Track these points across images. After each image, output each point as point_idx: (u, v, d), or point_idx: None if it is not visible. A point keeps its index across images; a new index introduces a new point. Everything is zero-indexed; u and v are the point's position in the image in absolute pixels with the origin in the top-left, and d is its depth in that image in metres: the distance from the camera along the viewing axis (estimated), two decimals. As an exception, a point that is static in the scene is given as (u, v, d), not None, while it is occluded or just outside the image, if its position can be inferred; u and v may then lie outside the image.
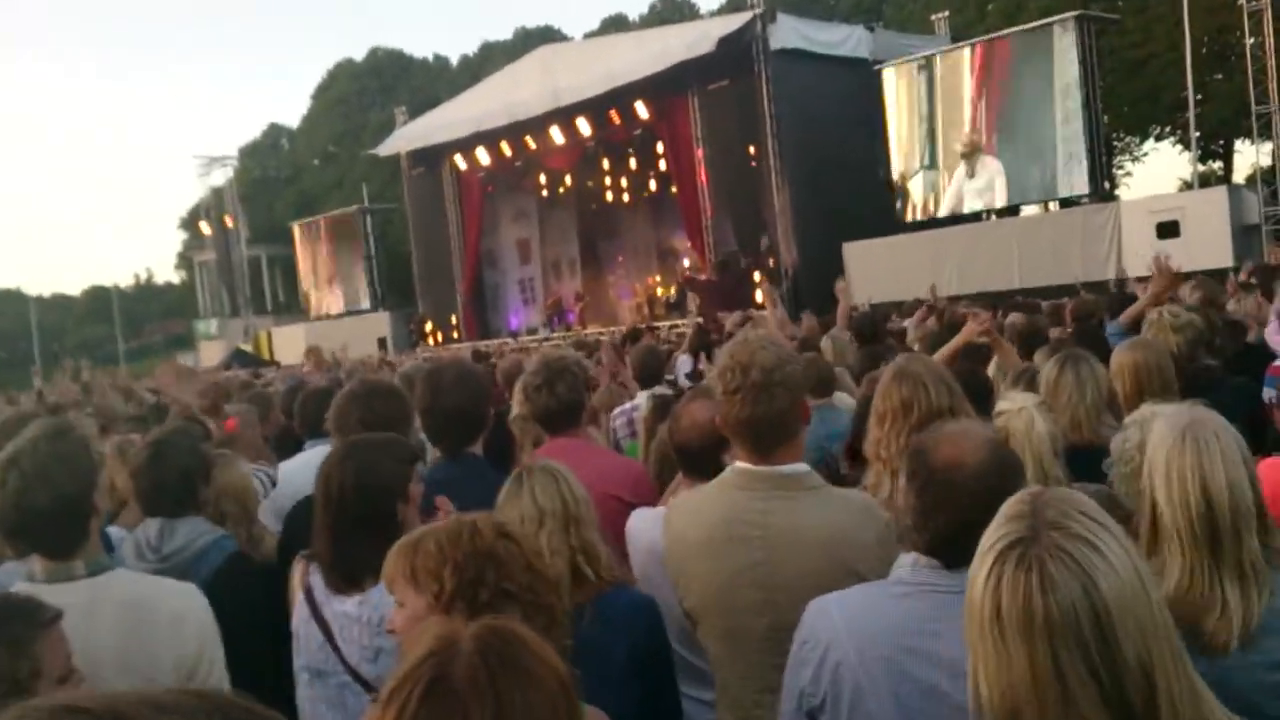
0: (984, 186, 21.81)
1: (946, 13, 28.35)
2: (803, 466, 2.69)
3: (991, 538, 1.51)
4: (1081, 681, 1.39)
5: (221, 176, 44.72)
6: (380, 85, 58.48)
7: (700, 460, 3.14)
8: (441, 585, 2.05)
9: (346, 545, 2.75)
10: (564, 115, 26.07)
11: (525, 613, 2.06)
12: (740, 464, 2.71)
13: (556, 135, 27.14)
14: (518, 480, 2.82)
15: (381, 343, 31.84)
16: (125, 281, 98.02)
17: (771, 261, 23.04)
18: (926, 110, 22.77)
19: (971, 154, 21.86)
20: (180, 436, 3.66)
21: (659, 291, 28.73)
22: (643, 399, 6.09)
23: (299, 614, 2.88)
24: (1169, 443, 2.28)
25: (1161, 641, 1.42)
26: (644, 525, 3.20)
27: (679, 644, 2.93)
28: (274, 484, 4.64)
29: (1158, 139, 35.25)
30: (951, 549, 2.09)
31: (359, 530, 2.75)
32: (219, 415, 5.85)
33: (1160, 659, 1.41)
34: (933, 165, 22.73)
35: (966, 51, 22.56)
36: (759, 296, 20.77)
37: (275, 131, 68.59)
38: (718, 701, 2.82)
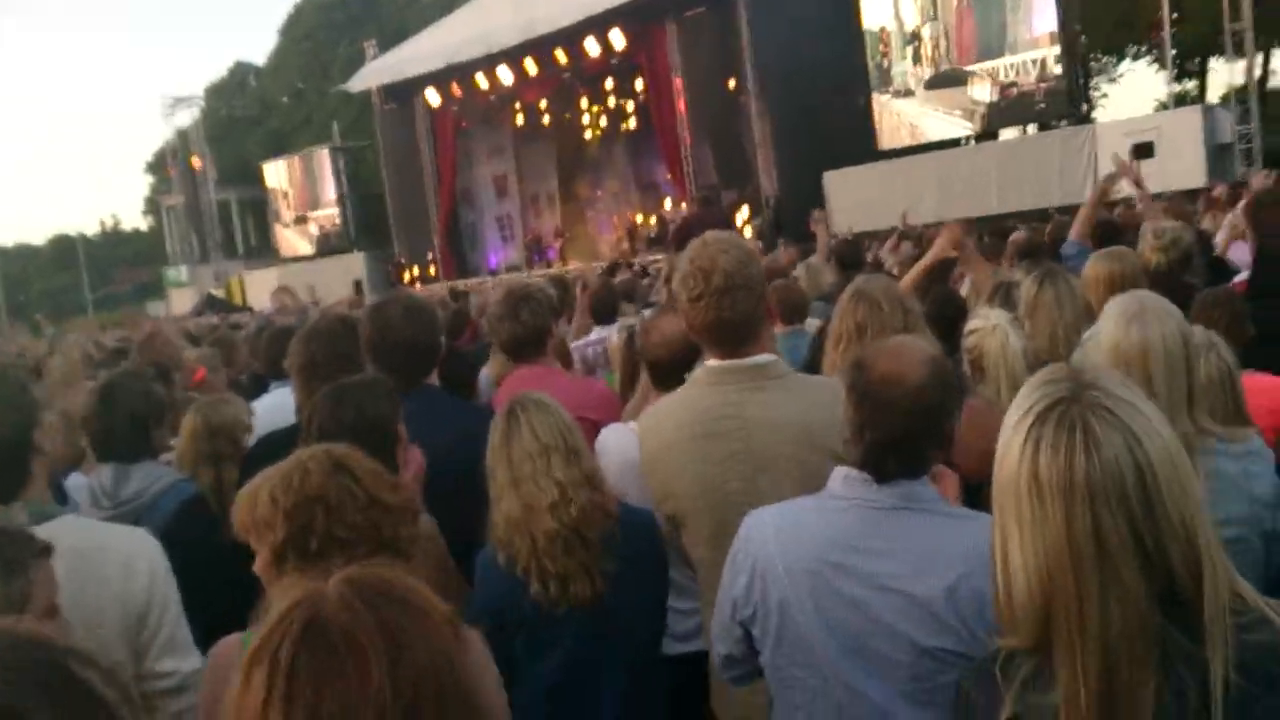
0: (964, 110, 21.65)
1: (925, -68, 27.91)
2: (769, 356, 2.73)
3: (1026, 402, 1.47)
4: (1123, 544, 1.35)
5: (188, 117, 44.01)
6: (348, 18, 57.20)
7: (671, 373, 3.17)
8: (276, 535, 1.99)
9: None
10: (539, 46, 25.57)
11: (366, 555, 1.94)
12: (710, 362, 2.75)
13: (531, 67, 26.73)
14: (512, 416, 2.79)
15: (357, 285, 31.54)
16: (91, 229, 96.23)
17: (754, 191, 22.93)
18: (906, 37, 22.50)
19: (954, 76, 21.68)
20: (130, 380, 3.59)
21: (639, 225, 28.51)
22: (598, 334, 6.22)
23: None
24: (1115, 325, 2.40)
25: (1198, 505, 1.40)
26: (617, 441, 3.22)
27: None
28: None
29: (1134, 59, 35.08)
30: (884, 463, 2.13)
31: None
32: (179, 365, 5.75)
33: (1200, 522, 1.38)
34: (912, 91, 22.52)
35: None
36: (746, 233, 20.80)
37: (241, 70, 67.28)
38: (703, 611, 2.82)
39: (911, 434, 2.11)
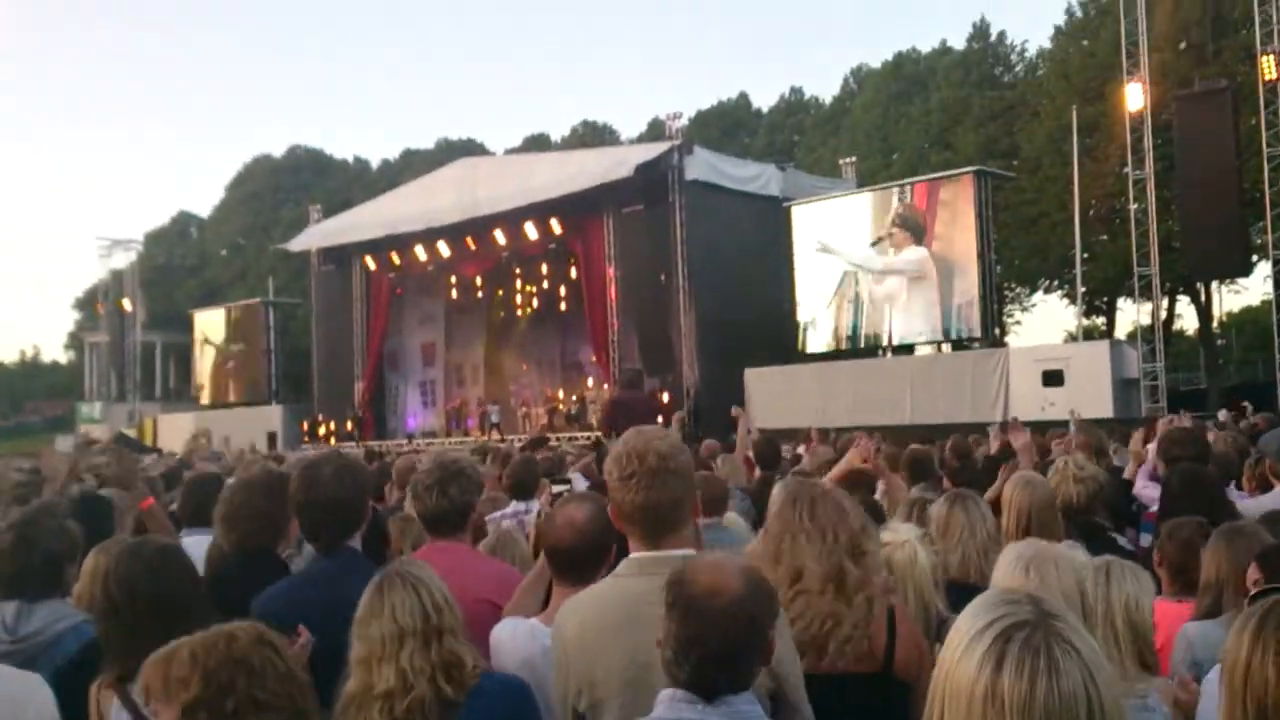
0: (886, 321, 22.43)
1: (854, 159, 29.64)
2: (692, 551, 2.66)
3: (986, 616, 1.46)
4: None
5: (124, 259, 43.98)
6: (297, 182, 58.17)
7: (575, 563, 3.08)
8: (190, 693, 2.04)
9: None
10: (480, 225, 26.32)
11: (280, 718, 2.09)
12: (634, 555, 2.69)
13: (470, 243, 27.34)
14: (378, 593, 2.71)
15: (271, 437, 31.04)
16: (9, 358, 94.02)
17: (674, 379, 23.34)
18: (832, 249, 23.43)
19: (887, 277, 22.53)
20: (45, 517, 3.51)
21: (560, 405, 28.74)
22: (514, 508, 6.06)
23: None
24: (1010, 571, 2.42)
25: None
26: (514, 637, 3.07)
27: None
28: None
29: (1046, 291, 36.77)
30: (712, 679, 2.09)
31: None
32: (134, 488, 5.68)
33: None
34: (833, 302, 23.34)
35: (870, 196, 23.46)
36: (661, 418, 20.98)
37: (184, 219, 67.70)
38: None
39: (738, 646, 2.09)
